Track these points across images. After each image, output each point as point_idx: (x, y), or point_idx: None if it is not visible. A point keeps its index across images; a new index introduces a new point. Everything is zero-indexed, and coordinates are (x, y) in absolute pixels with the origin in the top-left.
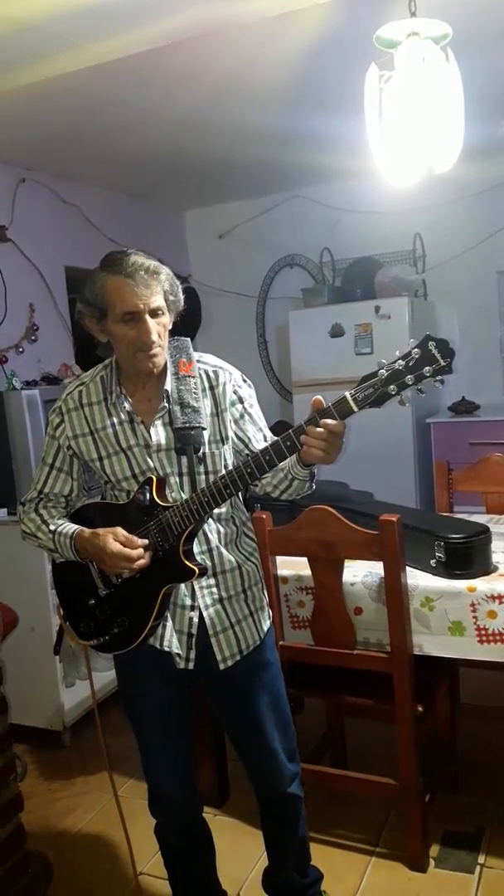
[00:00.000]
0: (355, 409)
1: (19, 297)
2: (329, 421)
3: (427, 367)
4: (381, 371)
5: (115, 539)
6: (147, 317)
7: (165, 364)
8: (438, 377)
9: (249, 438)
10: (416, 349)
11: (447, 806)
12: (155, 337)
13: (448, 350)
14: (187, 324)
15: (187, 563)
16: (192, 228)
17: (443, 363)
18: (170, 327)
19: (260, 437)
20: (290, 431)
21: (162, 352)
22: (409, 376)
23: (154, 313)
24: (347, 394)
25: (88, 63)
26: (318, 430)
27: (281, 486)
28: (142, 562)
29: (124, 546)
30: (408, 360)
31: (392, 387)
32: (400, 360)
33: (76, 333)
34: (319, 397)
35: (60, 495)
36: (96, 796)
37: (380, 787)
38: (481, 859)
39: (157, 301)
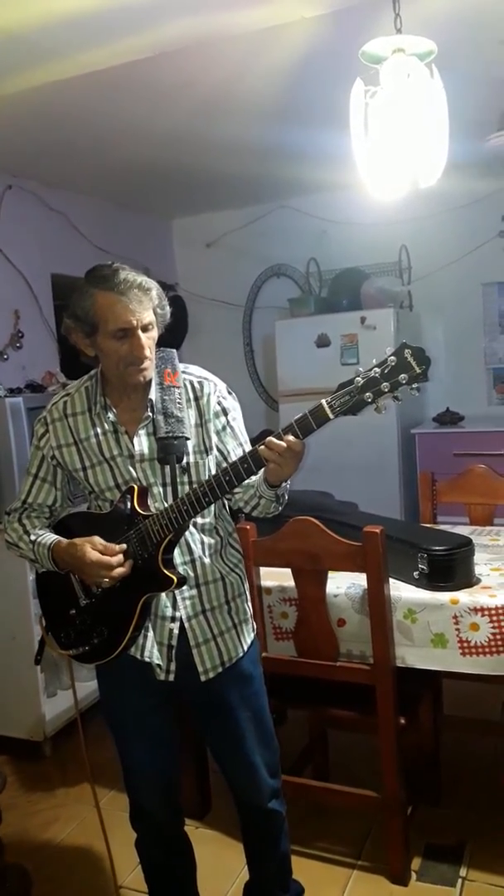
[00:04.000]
0: (331, 416)
1: (4, 303)
2: (290, 437)
3: (403, 375)
4: (358, 379)
5: (92, 548)
6: (139, 332)
7: None
8: (414, 385)
9: (228, 451)
10: (392, 357)
11: (429, 818)
12: (147, 352)
13: (424, 358)
14: (174, 332)
15: (166, 571)
16: (179, 237)
17: (418, 371)
18: (156, 340)
19: (239, 452)
20: (270, 438)
21: (151, 365)
22: (384, 384)
23: (145, 328)
24: (324, 401)
25: (76, 73)
26: (279, 443)
27: (251, 503)
28: (121, 570)
29: (102, 554)
30: (384, 367)
31: (368, 394)
32: (376, 368)
33: (61, 341)
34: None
35: (44, 505)
36: (77, 808)
37: (362, 800)
38: (463, 872)
39: (149, 317)
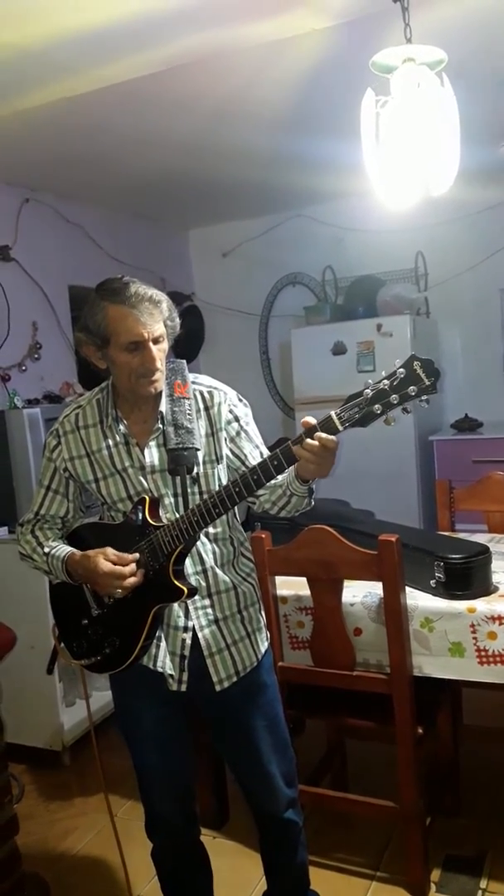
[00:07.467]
0: (340, 428)
1: (22, 315)
2: (323, 435)
3: (412, 387)
4: (367, 391)
5: (105, 559)
6: (151, 344)
7: None
8: (423, 397)
9: (245, 455)
10: (401, 369)
11: (449, 829)
12: (158, 363)
13: (433, 370)
14: (190, 341)
15: (177, 582)
16: (195, 247)
17: (427, 383)
18: (167, 352)
19: (256, 454)
20: (277, 451)
21: (162, 376)
22: (393, 396)
23: (156, 340)
24: (333, 413)
25: (91, 87)
26: (313, 442)
27: (279, 503)
28: (133, 579)
29: (115, 564)
30: (392, 379)
31: (377, 406)
32: (385, 380)
33: (78, 352)
34: (308, 418)
35: (57, 517)
36: (95, 818)
37: (380, 810)
38: (483, 884)
39: (160, 329)
